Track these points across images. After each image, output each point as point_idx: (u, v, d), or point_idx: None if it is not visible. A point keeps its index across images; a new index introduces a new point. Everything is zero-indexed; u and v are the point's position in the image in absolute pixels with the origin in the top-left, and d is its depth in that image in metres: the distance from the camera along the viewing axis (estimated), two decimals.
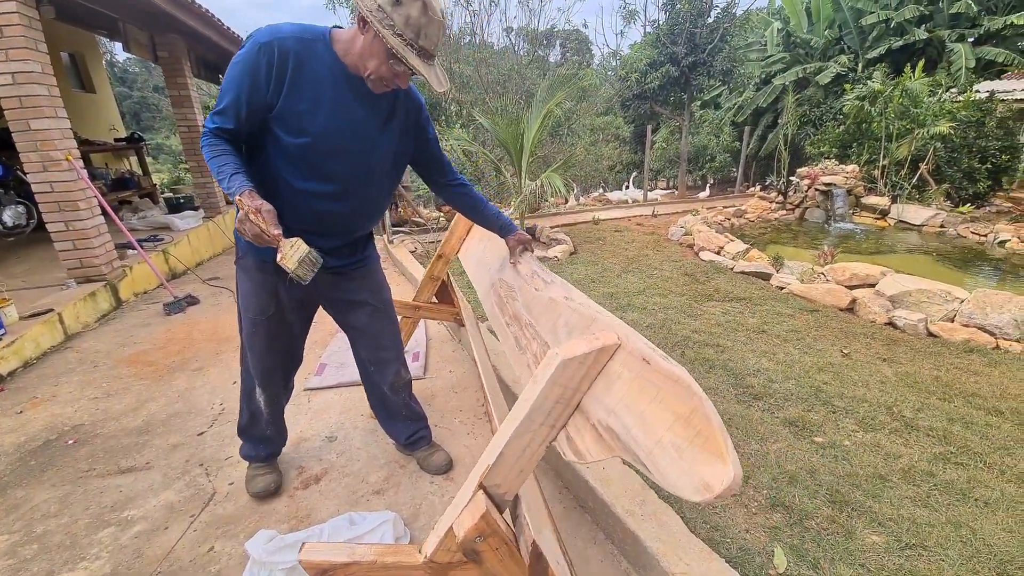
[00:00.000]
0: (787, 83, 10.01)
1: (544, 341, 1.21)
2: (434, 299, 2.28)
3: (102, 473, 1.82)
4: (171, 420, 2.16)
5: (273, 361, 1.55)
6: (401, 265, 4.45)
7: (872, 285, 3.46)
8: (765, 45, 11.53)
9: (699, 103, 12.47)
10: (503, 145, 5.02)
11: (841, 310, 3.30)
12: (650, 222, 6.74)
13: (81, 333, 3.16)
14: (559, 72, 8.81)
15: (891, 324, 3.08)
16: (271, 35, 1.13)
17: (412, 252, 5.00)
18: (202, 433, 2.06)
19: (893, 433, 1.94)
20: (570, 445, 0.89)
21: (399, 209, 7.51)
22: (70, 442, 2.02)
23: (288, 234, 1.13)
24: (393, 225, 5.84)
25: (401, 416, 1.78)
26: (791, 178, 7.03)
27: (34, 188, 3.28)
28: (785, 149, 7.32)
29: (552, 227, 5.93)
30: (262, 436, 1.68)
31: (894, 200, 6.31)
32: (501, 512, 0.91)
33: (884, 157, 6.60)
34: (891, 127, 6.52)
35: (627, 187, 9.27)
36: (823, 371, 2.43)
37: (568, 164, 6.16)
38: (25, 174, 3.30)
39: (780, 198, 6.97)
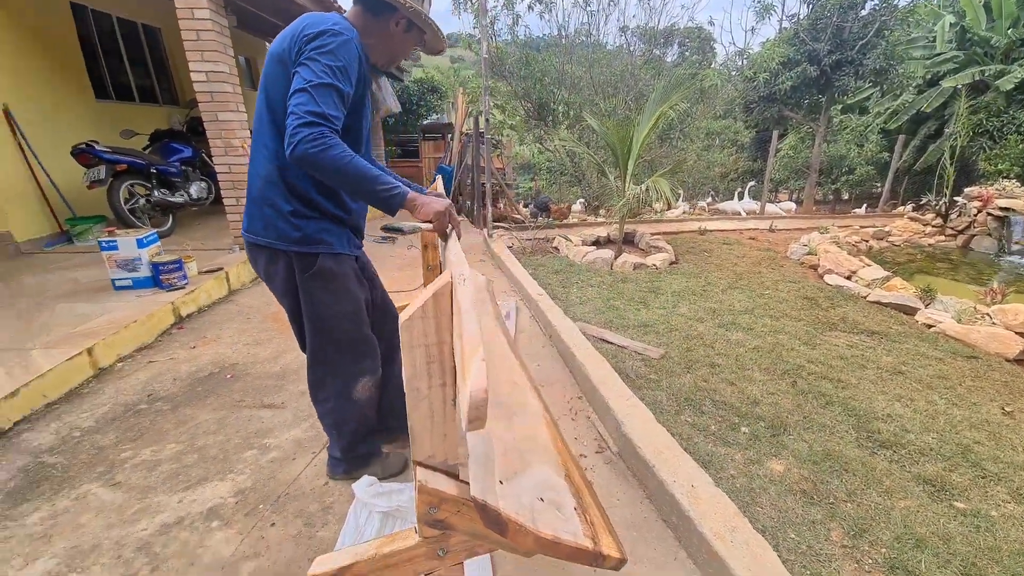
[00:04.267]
0: (959, 86, 8.42)
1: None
2: None
3: (250, 405, 2.20)
4: (301, 370, 2.51)
5: (373, 337, 1.59)
6: (498, 259, 4.63)
7: None
8: (933, 41, 9.82)
9: (840, 107, 11.02)
10: (610, 147, 4.95)
11: (1009, 360, 2.73)
12: (766, 237, 6.16)
13: (240, 290, 3.81)
14: (677, 73, 8.40)
15: None
16: (351, 32, 1.22)
17: (509, 247, 5.17)
18: None
19: None
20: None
21: (501, 205, 7.80)
22: (228, 376, 2.46)
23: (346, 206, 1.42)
24: (494, 220, 6.07)
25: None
26: (956, 198, 5.93)
27: (216, 168, 4.00)
28: (950, 164, 6.19)
29: (653, 234, 5.72)
30: (374, 429, 1.70)
31: None
32: (458, 477, 0.91)
33: None
34: None
35: (741, 197, 8.56)
36: (976, 428, 2.05)
37: (676, 169, 5.87)
38: (210, 157, 4.05)
39: (939, 221, 5.91)
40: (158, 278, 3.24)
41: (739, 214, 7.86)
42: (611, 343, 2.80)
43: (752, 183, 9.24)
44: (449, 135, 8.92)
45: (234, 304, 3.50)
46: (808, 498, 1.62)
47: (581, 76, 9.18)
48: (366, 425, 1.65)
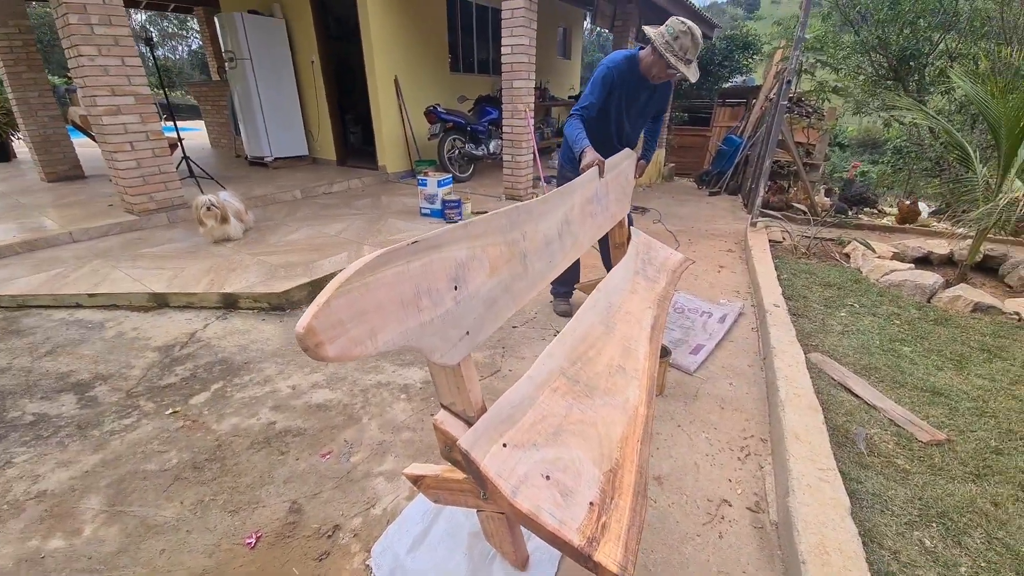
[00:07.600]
0: None
1: None
2: None
3: None
4: None
5: None
6: (749, 253, 3.89)
7: None
8: None
9: None
10: (989, 122, 3.26)
11: None
12: None
13: None
14: None
15: None
16: (612, 63, 2.24)
17: (777, 243, 4.26)
18: (516, 326, 2.69)
19: None
20: None
21: (789, 190, 6.37)
22: None
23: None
24: (765, 206, 5.07)
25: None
26: None
27: (504, 130, 4.75)
28: None
29: None
30: (567, 281, 2.82)
31: None
32: (471, 425, 0.97)
33: None
34: None
35: None
36: None
37: None
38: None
39: None
40: (444, 212, 4.23)
41: None
42: (857, 395, 2.05)
43: None
44: (754, 100, 7.65)
45: None
46: None
47: (992, 15, 6.18)
48: (563, 275, 2.42)
